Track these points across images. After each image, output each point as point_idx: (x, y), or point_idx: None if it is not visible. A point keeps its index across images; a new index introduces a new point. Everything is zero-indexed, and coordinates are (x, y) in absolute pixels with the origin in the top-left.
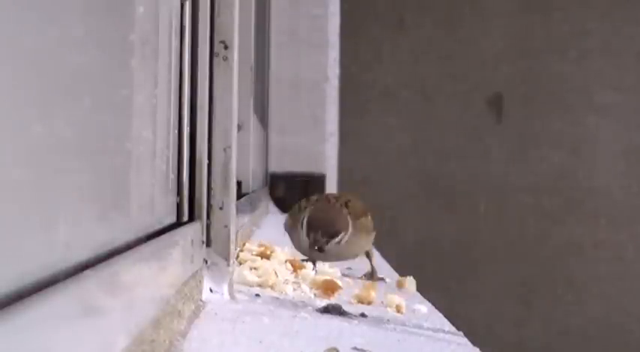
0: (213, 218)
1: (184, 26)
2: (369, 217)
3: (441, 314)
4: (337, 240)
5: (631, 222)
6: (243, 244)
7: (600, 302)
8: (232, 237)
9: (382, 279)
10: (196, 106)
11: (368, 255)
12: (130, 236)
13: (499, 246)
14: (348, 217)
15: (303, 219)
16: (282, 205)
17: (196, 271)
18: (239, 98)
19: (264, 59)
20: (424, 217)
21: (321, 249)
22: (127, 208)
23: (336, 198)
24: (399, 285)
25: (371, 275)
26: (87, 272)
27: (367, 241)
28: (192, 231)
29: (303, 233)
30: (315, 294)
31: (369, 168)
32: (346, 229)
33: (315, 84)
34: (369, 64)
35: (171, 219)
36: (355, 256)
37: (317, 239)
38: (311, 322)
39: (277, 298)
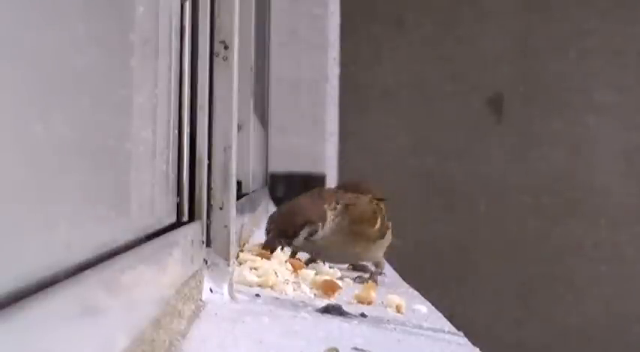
0: (213, 218)
1: (184, 26)
2: (378, 226)
3: (440, 314)
4: (302, 236)
5: (631, 222)
6: (243, 244)
7: (600, 302)
8: (232, 237)
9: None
10: (196, 106)
11: (377, 266)
12: (130, 236)
13: (499, 246)
14: (328, 212)
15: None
16: None
17: (196, 271)
18: (239, 98)
19: (264, 59)
20: (424, 217)
21: (272, 249)
22: (127, 208)
23: (336, 196)
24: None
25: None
26: (87, 272)
27: (368, 250)
28: (192, 231)
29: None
30: (315, 294)
31: (369, 168)
32: (314, 223)
33: (315, 84)
34: (369, 64)
35: (171, 219)
36: (355, 261)
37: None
38: (311, 322)
39: (277, 298)
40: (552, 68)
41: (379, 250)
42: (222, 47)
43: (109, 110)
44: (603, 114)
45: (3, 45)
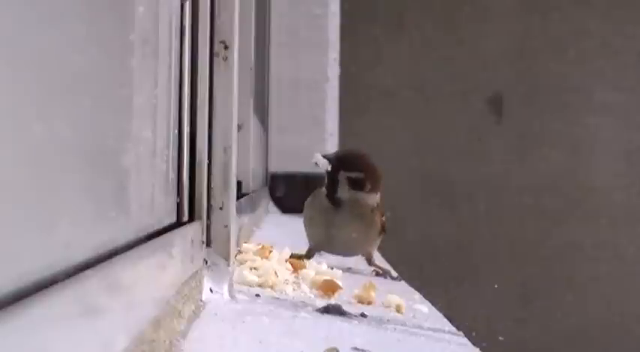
0: (213, 218)
1: (184, 26)
2: (382, 217)
3: (441, 314)
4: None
5: (631, 222)
6: (243, 244)
7: (600, 302)
8: (232, 237)
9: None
10: (196, 106)
11: (369, 261)
12: (130, 236)
13: (499, 246)
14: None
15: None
16: (282, 205)
17: (196, 271)
18: (239, 98)
19: (264, 59)
20: (424, 217)
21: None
22: (127, 208)
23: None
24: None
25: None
26: (87, 272)
27: (370, 239)
28: (192, 231)
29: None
30: (315, 294)
31: None
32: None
33: (315, 84)
34: (369, 64)
35: (171, 219)
36: (355, 251)
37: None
38: (311, 322)
39: (277, 298)
40: (552, 68)
41: (376, 244)
42: (222, 47)
43: (109, 110)
44: (603, 114)
45: (3, 45)
